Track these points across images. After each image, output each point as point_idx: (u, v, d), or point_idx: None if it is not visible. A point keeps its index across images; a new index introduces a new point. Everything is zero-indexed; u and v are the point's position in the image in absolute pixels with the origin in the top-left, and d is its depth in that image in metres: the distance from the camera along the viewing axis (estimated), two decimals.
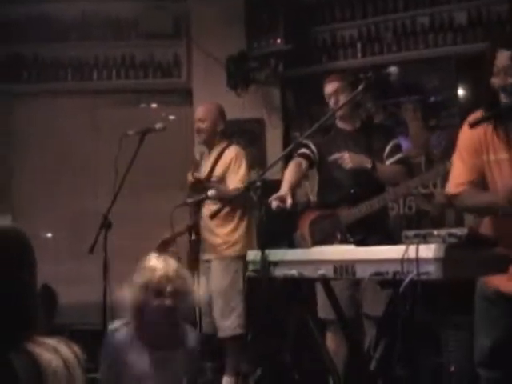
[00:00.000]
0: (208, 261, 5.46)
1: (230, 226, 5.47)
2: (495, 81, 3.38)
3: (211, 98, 6.35)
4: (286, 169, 4.82)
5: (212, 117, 5.64)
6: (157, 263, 3.57)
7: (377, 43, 7.07)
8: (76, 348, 1.96)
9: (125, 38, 7.66)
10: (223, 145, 5.65)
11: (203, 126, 5.61)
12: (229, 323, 5.36)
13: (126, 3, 7.41)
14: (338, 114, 4.70)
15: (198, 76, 7.55)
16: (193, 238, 5.15)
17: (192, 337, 3.73)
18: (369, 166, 4.47)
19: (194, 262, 5.02)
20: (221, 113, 5.71)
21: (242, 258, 5.04)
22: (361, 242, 4.06)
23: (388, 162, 4.68)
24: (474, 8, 6.72)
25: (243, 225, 5.50)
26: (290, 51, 6.96)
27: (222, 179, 5.46)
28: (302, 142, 4.74)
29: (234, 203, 5.27)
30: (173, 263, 3.59)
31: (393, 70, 3.90)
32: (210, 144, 5.67)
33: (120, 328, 3.63)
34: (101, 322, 4.47)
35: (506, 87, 3.35)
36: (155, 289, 3.49)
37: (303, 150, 4.83)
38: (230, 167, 5.48)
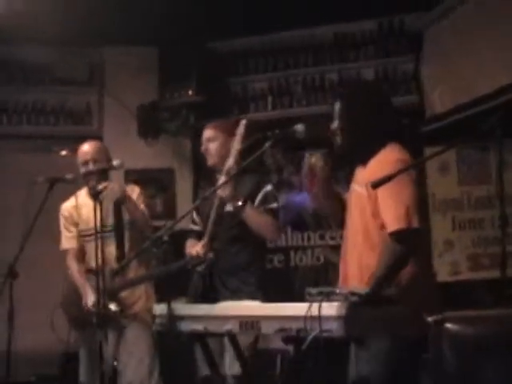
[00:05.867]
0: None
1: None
2: None
3: (122, 146, 6.35)
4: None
5: (107, 156, 4.88)
6: None
7: (287, 96, 7.24)
8: None
9: (37, 84, 7.58)
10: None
11: (94, 166, 4.79)
12: None
13: (39, 48, 7.32)
14: (209, 163, 4.52)
15: (109, 124, 7.57)
16: None
17: None
18: (239, 203, 4.21)
19: None
20: None
21: None
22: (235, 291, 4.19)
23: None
24: (381, 65, 7.00)
25: None
26: (202, 102, 7.06)
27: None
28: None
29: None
30: None
31: (299, 127, 3.90)
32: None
33: None
34: (4, 373, 4.39)
35: None
36: None
37: (192, 227, 4.67)
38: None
